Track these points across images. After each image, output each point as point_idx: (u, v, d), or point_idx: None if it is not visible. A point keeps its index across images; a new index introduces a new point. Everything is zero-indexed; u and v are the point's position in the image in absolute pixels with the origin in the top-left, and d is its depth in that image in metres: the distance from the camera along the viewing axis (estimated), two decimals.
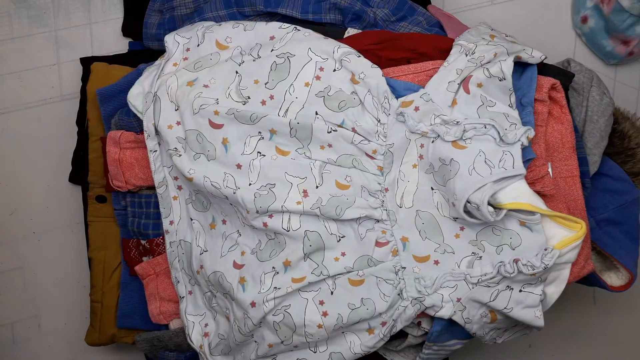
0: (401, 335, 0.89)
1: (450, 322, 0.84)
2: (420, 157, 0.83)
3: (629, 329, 1.24)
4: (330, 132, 0.83)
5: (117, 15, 1.07)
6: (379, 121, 0.83)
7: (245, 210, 0.83)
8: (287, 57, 0.85)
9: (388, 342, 0.87)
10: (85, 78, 1.01)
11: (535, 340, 1.23)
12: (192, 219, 0.89)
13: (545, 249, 0.80)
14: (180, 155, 0.85)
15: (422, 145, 0.82)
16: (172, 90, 0.86)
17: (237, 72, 0.86)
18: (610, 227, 0.95)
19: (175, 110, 0.86)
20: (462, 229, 0.83)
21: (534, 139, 0.85)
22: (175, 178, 0.89)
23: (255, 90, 0.86)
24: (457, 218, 0.82)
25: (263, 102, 0.85)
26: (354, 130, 0.84)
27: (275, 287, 0.83)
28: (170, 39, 0.91)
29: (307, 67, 0.85)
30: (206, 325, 0.90)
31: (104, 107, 0.94)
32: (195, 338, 0.90)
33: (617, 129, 0.95)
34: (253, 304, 0.83)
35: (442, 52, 0.86)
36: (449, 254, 0.83)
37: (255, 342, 0.86)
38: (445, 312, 0.83)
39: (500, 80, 0.82)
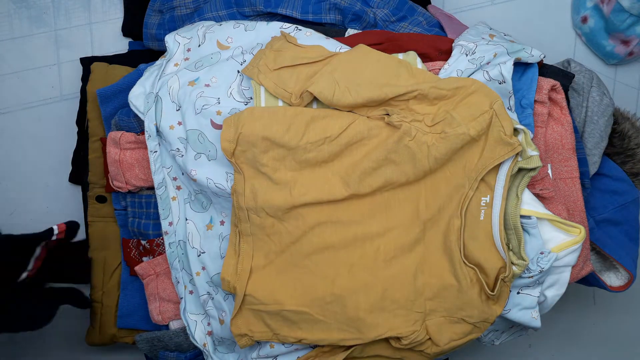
0: None
1: None
2: None
3: (629, 329, 1.25)
4: None
5: (117, 15, 1.07)
6: None
7: None
8: None
9: None
10: (85, 78, 1.01)
11: (535, 341, 1.23)
12: (187, 219, 0.89)
13: (542, 252, 0.80)
14: (182, 156, 0.85)
15: None
16: (174, 90, 0.86)
17: (238, 72, 0.86)
18: (609, 228, 0.95)
19: (177, 110, 0.86)
20: None
21: (534, 140, 0.85)
22: (174, 178, 0.89)
23: None
24: None
25: None
26: None
27: None
28: (170, 39, 0.91)
29: None
30: (209, 323, 0.90)
31: (104, 107, 0.94)
32: (199, 336, 0.91)
33: (617, 129, 0.95)
34: None
35: (442, 52, 0.86)
36: None
37: (257, 342, 0.86)
38: None
39: (499, 84, 0.82)
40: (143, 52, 1.03)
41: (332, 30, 0.91)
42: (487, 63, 0.83)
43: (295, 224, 0.81)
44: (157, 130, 0.87)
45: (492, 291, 0.78)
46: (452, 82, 0.80)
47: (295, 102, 0.81)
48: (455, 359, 1.16)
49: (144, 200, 0.93)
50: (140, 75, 0.92)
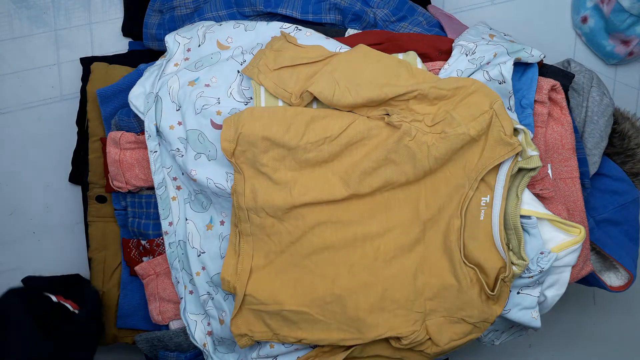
0: None
1: None
2: None
3: (628, 330, 1.25)
4: None
5: (117, 15, 1.07)
6: None
7: None
8: None
9: None
10: (85, 78, 1.01)
11: (535, 341, 1.23)
12: (187, 219, 0.89)
13: (542, 252, 0.80)
14: (182, 156, 0.85)
15: None
16: (174, 90, 0.86)
17: (238, 72, 0.86)
18: (609, 228, 0.95)
19: (177, 110, 0.86)
20: None
21: (534, 140, 0.85)
22: (174, 179, 0.89)
23: None
24: None
25: None
26: None
27: None
28: (170, 39, 0.91)
29: None
30: (209, 323, 0.90)
31: (104, 107, 0.94)
32: (199, 336, 0.91)
33: (617, 129, 0.95)
34: None
35: (442, 52, 0.86)
36: None
37: (257, 342, 0.86)
38: None
39: (500, 84, 0.82)
40: (143, 52, 1.03)
41: (332, 30, 0.91)
42: (487, 63, 0.83)
43: (295, 224, 0.81)
44: (157, 130, 0.87)
45: (492, 291, 0.78)
46: (452, 82, 0.80)
47: (295, 102, 0.81)
48: (455, 359, 1.16)
49: (144, 200, 0.93)
50: (140, 75, 0.92)
